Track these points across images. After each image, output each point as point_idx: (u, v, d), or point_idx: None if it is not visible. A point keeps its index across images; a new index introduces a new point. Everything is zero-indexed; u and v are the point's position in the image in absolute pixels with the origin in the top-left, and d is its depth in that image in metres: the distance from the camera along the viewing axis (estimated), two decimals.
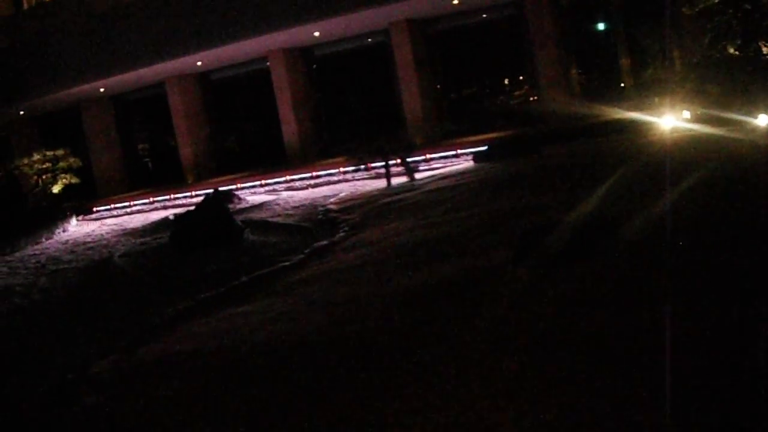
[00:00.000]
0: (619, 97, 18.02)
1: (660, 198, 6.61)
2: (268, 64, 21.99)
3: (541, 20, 18.67)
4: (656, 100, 15.67)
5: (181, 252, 11.09)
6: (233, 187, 19.45)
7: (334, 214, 11.46)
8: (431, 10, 19.42)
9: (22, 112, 25.36)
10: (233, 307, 6.53)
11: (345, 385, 3.91)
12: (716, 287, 4.07)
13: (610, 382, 3.20)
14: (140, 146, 27.23)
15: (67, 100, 23.90)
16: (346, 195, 14.01)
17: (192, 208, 13.45)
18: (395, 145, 14.71)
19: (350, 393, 3.77)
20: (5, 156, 25.90)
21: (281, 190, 18.32)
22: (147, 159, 27.31)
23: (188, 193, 20.97)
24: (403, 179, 14.21)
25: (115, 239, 14.83)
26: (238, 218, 12.56)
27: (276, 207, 14.85)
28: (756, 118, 10.66)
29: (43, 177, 23.56)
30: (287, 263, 8.18)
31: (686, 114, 12.52)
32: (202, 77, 23.95)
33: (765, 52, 11.90)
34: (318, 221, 11.70)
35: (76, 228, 18.74)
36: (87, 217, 21.47)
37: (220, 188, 17.44)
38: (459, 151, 16.95)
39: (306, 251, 8.70)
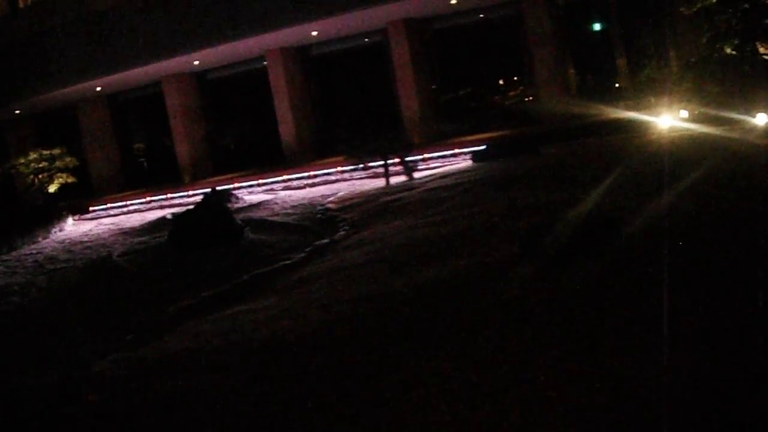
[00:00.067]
0: (615, 97, 18.07)
1: (658, 197, 6.65)
2: (265, 63, 21.95)
3: (538, 20, 18.70)
4: (652, 99, 15.74)
5: (180, 251, 11.03)
6: (230, 186, 19.38)
7: (334, 213, 11.45)
8: (429, 10, 19.43)
9: (18, 111, 25.27)
10: (235, 305, 6.52)
11: (348, 383, 3.90)
12: (716, 287, 4.09)
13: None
14: (137, 146, 27.16)
15: (63, 99, 23.82)
16: (345, 194, 13.98)
17: (189, 207, 13.41)
18: (394, 145, 14.72)
19: (353, 392, 3.76)
20: (1, 155, 25.82)
21: (279, 190, 18.26)
22: (143, 159, 27.23)
23: (185, 193, 20.89)
24: (402, 178, 14.21)
25: (112, 238, 14.77)
26: (237, 217, 12.53)
27: (274, 206, 14.80)
28: (754, 117, 10.72)
29: (40, 176, 23.46)
30: (288, 261, 8.18)
31: (684, 113, 12.57)
32: (199, 76, 23.88)
33: (762, 52, 11.97)
34: (317, 220, 11.67)
35: (72, 227, 18.67)
36: (83, 216, 21.38)
37: (218, 188, 17.40)
38: (457, 151, 16.95)
39: (307, 249, 8.70)
